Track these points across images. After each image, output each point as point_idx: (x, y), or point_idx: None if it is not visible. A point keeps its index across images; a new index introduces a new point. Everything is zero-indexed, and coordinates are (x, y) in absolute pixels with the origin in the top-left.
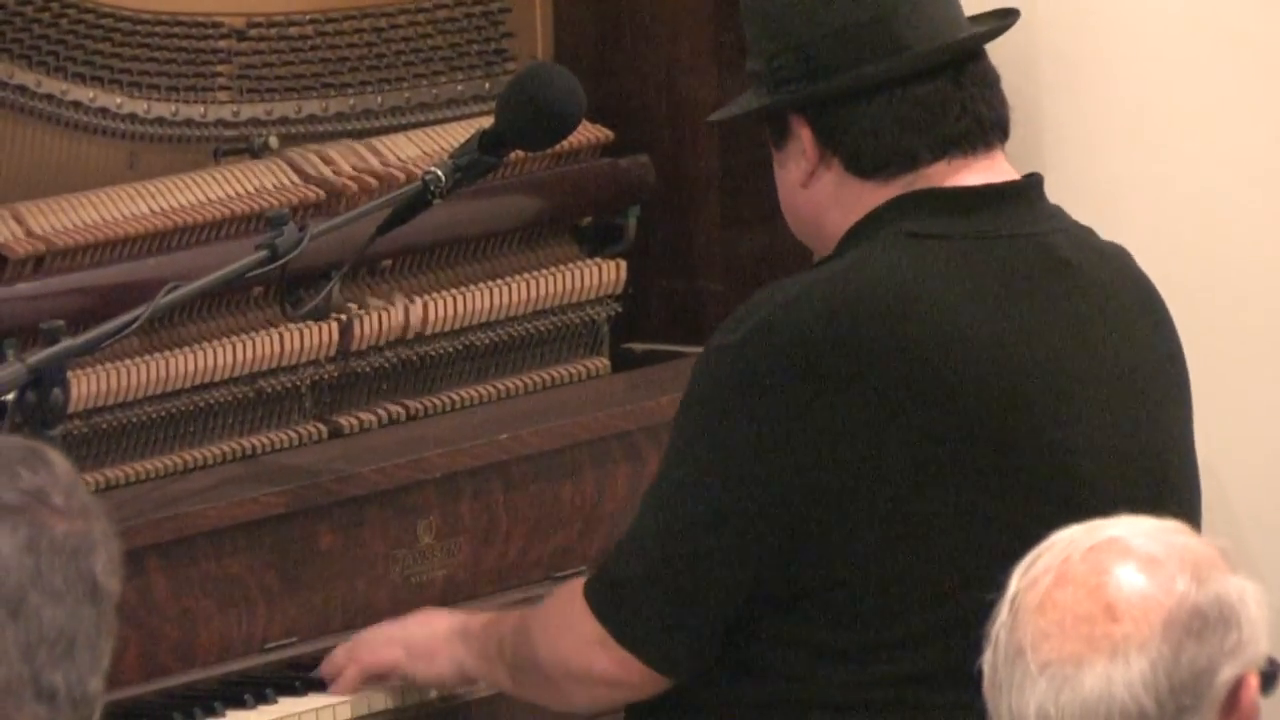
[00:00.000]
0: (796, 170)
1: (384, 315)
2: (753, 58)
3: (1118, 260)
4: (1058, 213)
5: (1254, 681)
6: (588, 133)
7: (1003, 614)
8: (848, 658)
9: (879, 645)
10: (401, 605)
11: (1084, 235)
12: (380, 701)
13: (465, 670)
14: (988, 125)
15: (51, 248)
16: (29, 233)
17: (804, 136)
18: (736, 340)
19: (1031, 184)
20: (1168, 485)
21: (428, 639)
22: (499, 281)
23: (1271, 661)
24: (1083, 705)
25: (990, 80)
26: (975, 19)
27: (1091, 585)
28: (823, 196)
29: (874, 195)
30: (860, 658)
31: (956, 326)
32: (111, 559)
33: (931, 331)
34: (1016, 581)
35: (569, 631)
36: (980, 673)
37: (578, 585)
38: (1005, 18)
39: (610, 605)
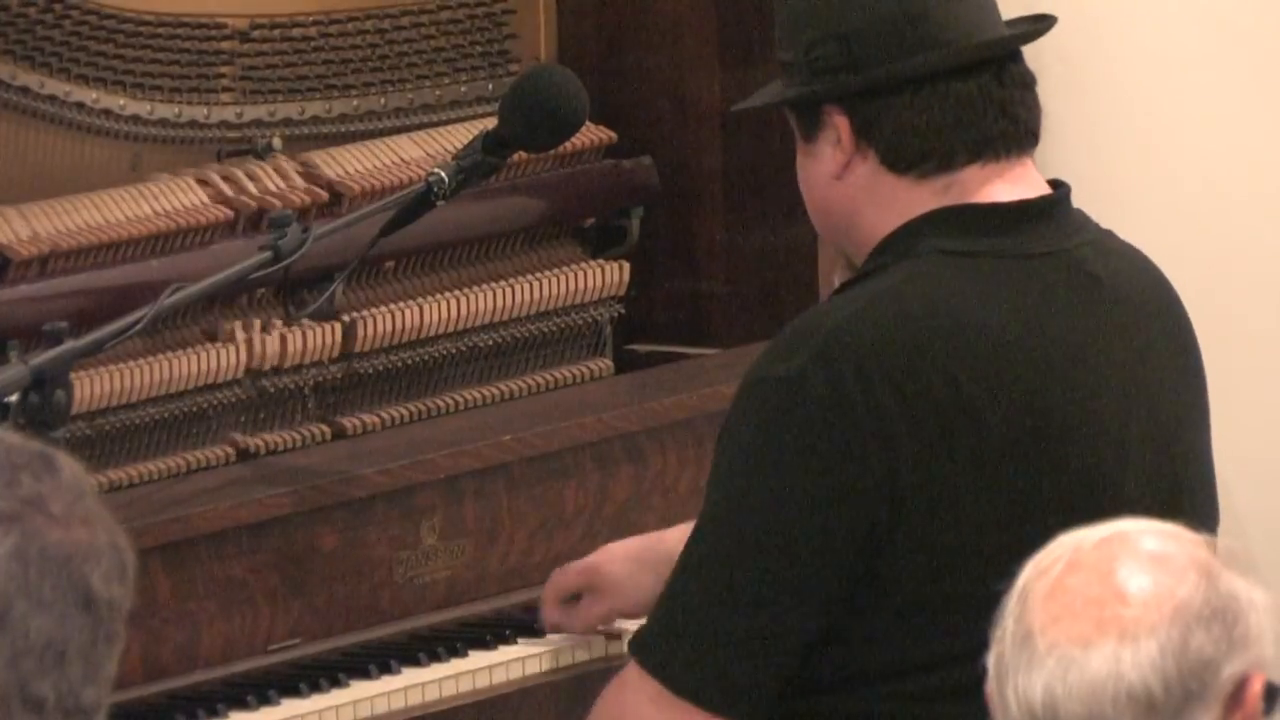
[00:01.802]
0: (830, 163)
1: (387, 317)
2: (785, 48)
3: (1140, 267)
4: (1084, 223)
5: (1259, 682)
6: (591, 134)
7: (1011, 604)
8: (885, 678)
9: (917, 665)
10: (404, 606)
11: (1108, 243)
12: (384, 704)
13: None
14: (1024, 129)
15: (55, 249)
16: (32, 234)
17: (841, 127)
18: (792, 372)
19: (1062, 197)
20: (1190, 507)
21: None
22: (502, 283)
23: (1274, 684)
24: (1090, 686)
25: (1029, 83)
26: (1012, 23)
27: (1103, 571)
28: (856, 190)
29: (908, 193)
30: (897, 677)
31: (998, 350)
32: (116, 568)
33: (974, 359)
34: (1026, 574)
35: (623, 703)
36: (985, 669)
37: (626, 673)
38: (1041, 22)
39: (663, 658)
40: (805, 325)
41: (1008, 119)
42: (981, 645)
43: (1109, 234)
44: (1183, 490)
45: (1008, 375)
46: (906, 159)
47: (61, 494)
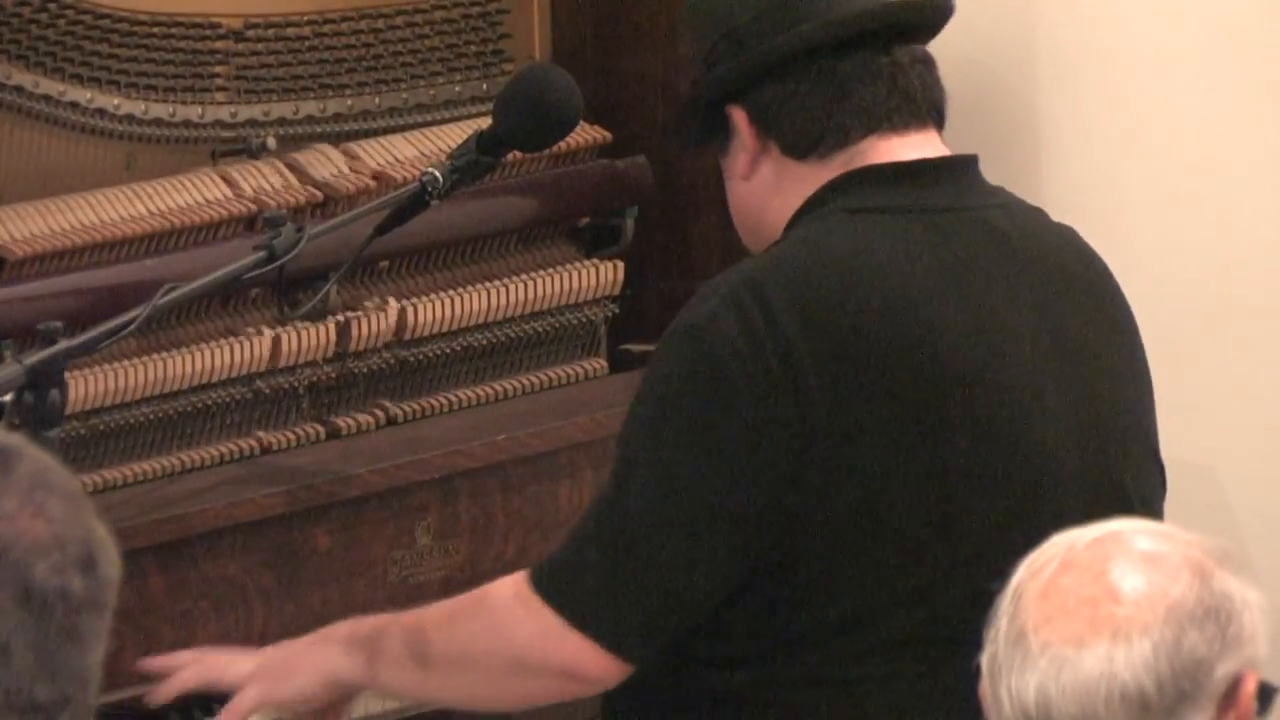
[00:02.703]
0: (738, 163)
1: (381, 316)
2: (693, 62)
3: (1063, 238)
4: (997, 191)
5: (1253, 682)
6: (585, 134)
7: (1004, 604)
8: (809, 637)
9: (842, 621)
10: (399, 606)
11: (1030, 214)
12: (379, 704)
13: (336, 678)
14: (920, 103)
15: (49, 249)
16: (27, 234)
17: (741, 123)
18: (697, 320)
19: (965, 160)
20: (1123, 455)
21: (284, 656)
22: (496, 283)
23: (1267, 684)
24: (1083, 685)
25: (921, 59)
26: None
27: (1096, 571)
28: (764, 186)
29: (813, 176)
30: (822, 636)
31: (905, 298)
32: (77, 560)
33: (883, 304)
34: (1020, 574)
35: (520, 625)
36: (978, 669)
37: (517, 580)
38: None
39: (569, 593)
40: (718, 278)
41: (899, 93)
42: (898, 602)
43: (1035, 209)
44: (1111, 444)
45: (912, 321)
46: (805, 143)
47: (15, 488)
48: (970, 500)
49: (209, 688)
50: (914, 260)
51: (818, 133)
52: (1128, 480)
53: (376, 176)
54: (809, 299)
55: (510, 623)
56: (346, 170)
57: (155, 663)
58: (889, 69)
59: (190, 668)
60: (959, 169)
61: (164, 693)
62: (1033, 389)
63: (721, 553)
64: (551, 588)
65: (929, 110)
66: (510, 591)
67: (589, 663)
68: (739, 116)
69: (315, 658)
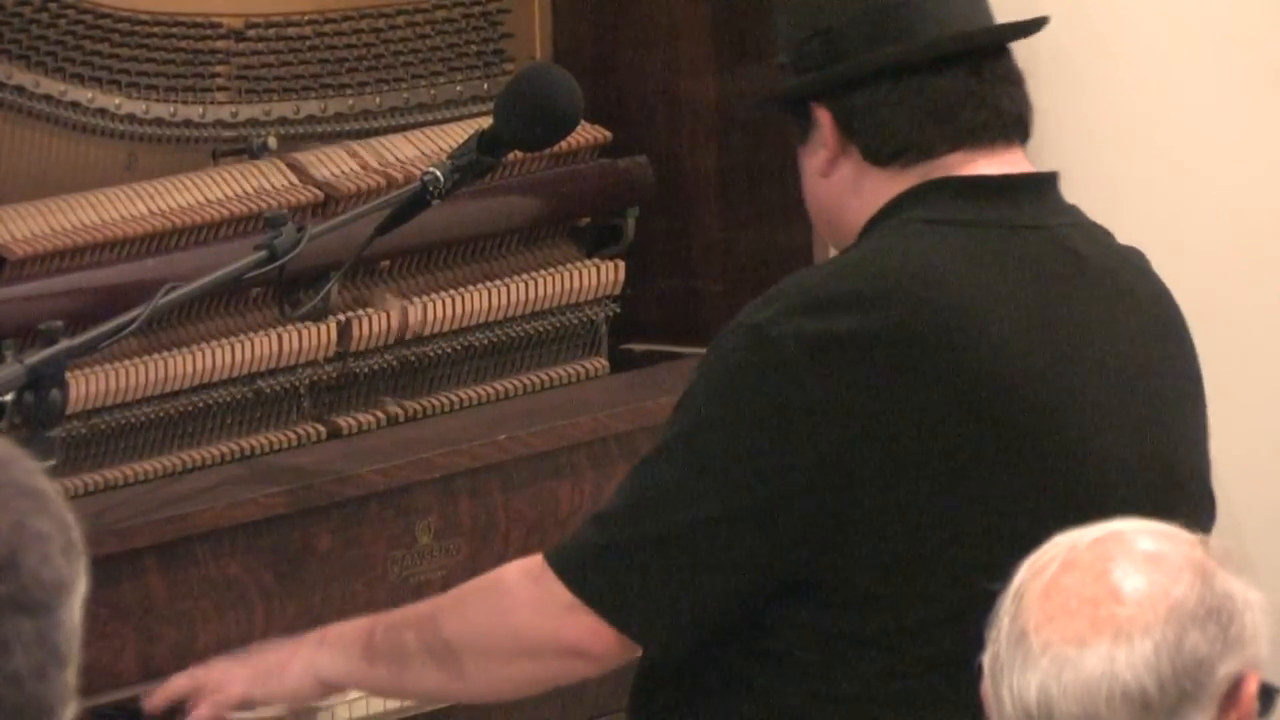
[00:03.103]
0: (817, 160)
1: (382, 316)
2: (781, 49)
3: (1133, 261)
4: (1073, 210)
5: (1254, 682)
6: (586, 133)
7: (1006, 604)
8: (859, 644)
9: (889, 632)
10: (399, 606)
11: (1099, 234)
12: (380, 704)
13: (326, 677)
14: (1008, 120)
15: (50, 248)
16: (27, 233)
17: (824, 123)
18: (763, 320)
19: (1046, 178)
20: (1178, 488)
21: (276, 656)
22: (497, 282)
23: (1269, 684)
24: (1085, 685)
25: (1013, 78)
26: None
27: (1098, 571)
28: (842, 186)
29: (891, 185)
30: (871, 644)
31: (975, 310)
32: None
33: (953, 318)
34: (1022, 574)
35: (529, 604)
36: (980, 668)
37: (530, 561)
38: (1032, 21)
39: (583, 570)
40: (787, 281)
41: (988, 109)
42: (936, 623)
43: (1105, 230)
44: (1176, 472)
45: (981, 338)
46: (887, 152)
47: None
48: (1022, 524)
49: (200, 691)
50: (989, 275)
51: (901, 144)
52: (1180, 505)
53: (377, 176)
54: (876, 310)
55: (516, 601)
56: (347, 170)
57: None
58: (979, 89)
59: (184, 675)
60: (1040, 186)
61: (159, 698)
62: (1097, 415)
63: (743, 548)
64: (562, 561)
65: (1015, 127)
66: (520, 569)
67: (590, 637)
68: (824, 116)
69: (307, 656)
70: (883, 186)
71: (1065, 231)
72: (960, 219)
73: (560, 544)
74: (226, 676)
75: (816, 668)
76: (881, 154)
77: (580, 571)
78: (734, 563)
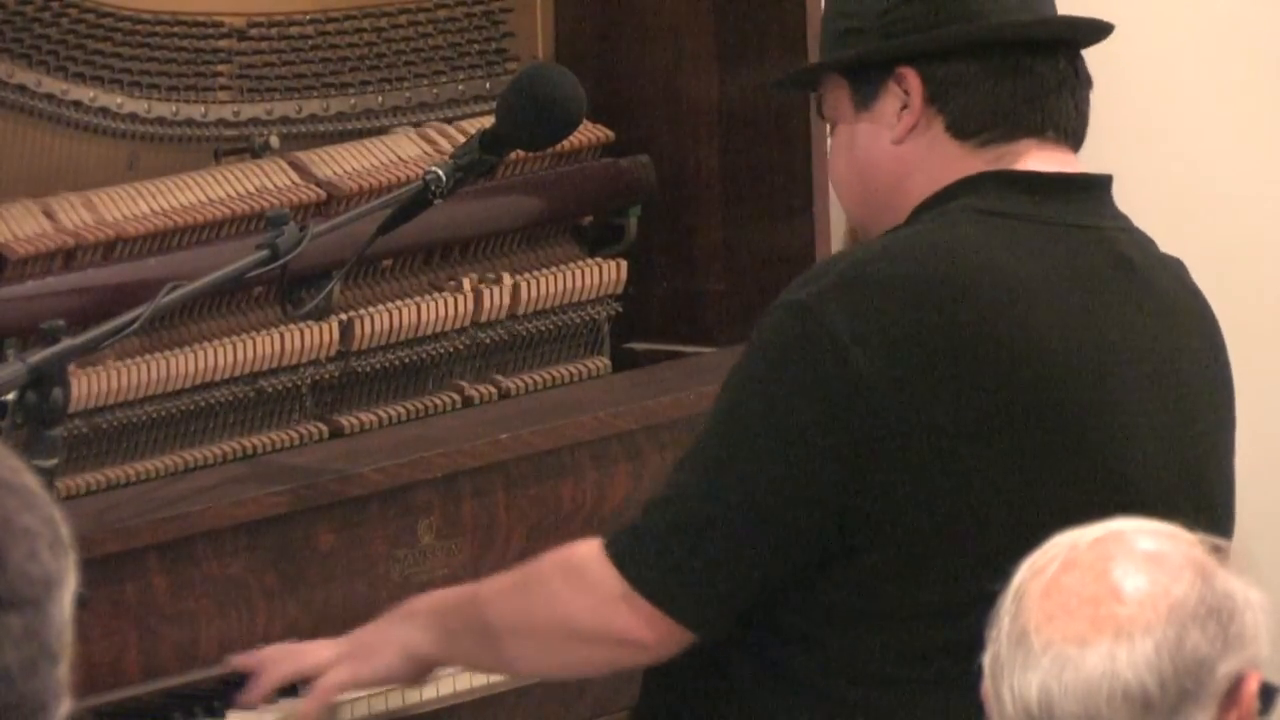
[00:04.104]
0: (886, 129)
1: (385, 315)
2: (848, 15)
3: (1176, 270)
4: (1122, 215)
5: (1255, 681)
6: (588, 132)
7: (1006, 603)
8: (881, 624)
9: (911, 613)
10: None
11: (1145, 241)
12: (382, 702)
13: (418, 654)
14: (1075, 122)
15: (52, 248)
16: (30, 232)
17: (914, 89)
18: (808, 295)
19: (1102, 180)
20: (1203, 501)
21: (367, 635)
22: (499, 281)
23: (1270, 683)
24: (1086, 685)
25: (1087, 82)
26: None
27: (1099, 570)
28: (914, 156)
29: (962, 163)
30: (893, 624)
31: (1020, 304)
32: None
33: (997, 305)
34: (1022, 574)
35: (584, 590)
36: (981, 668)
37: (588, 545)
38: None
39: (639, 559)
40: (833, 258)
41: (1071, 103)
42: (959, 610)
43: (1148, 237)
44: (1203, 481)
45: (1023, 331)
46: (972, 127)
47: None
48: (1045, 516)
49: (300, 677)
50: (1037, 270)
51: (989, 121)
52: (1203, 514)
53: (379, 175)
54: (923, 295)
55: (572, 588)
56: (349, 169)
57: (240, 660)
58: (1072, 81)
59: (278, 663)
60: (1095, 188)
61: (257, 692)
62: (1131, 419)
63: (792, 529)
64: (619, 550)
65: (1080, 128)
66: (582, 553)
67: (645, 629)
68: (913, 81)
69: (397, 634)
70: (954, 164)
71: (1115, 235)
72: (1014, 212)
73: (617, 531)
74: (321, 659)
75: (837, 647)
76: (967, 128)
77: (633, 558)
78: (781, 538)
